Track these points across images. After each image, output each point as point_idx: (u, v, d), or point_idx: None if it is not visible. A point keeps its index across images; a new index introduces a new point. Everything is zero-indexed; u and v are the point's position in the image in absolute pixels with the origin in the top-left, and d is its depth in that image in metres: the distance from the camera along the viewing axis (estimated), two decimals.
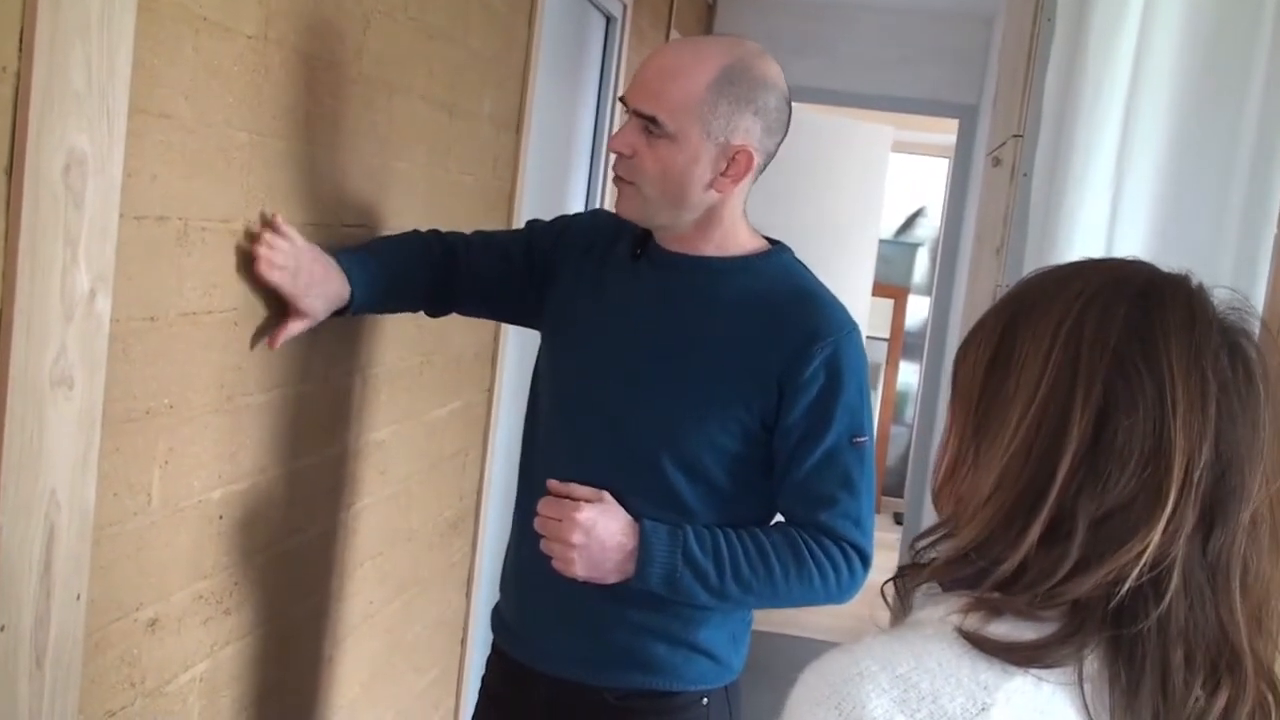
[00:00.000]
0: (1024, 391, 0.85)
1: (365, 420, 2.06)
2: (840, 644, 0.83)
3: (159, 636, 1.51)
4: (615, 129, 1.66)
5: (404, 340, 2.17)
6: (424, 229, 1.90)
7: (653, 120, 1.59)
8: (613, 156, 1.68)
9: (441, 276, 1.83)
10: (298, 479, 1.83)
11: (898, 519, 7.03)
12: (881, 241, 6.15)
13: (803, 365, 1.59)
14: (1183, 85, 1.87)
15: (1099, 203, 1.87)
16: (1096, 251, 1.85)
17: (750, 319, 1.63)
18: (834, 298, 1.68)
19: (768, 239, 1.74)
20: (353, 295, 1.68)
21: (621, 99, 1.65)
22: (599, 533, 1.58)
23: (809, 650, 0.86)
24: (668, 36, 4.45)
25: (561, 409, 1.73)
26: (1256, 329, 0.86)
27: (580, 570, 1.59)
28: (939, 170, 7.58)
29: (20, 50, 1.11)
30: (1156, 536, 0.80)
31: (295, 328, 1.63)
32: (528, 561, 1.66)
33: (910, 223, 8.32)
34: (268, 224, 1.59)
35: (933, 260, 7.23)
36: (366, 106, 1.89)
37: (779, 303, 1.64)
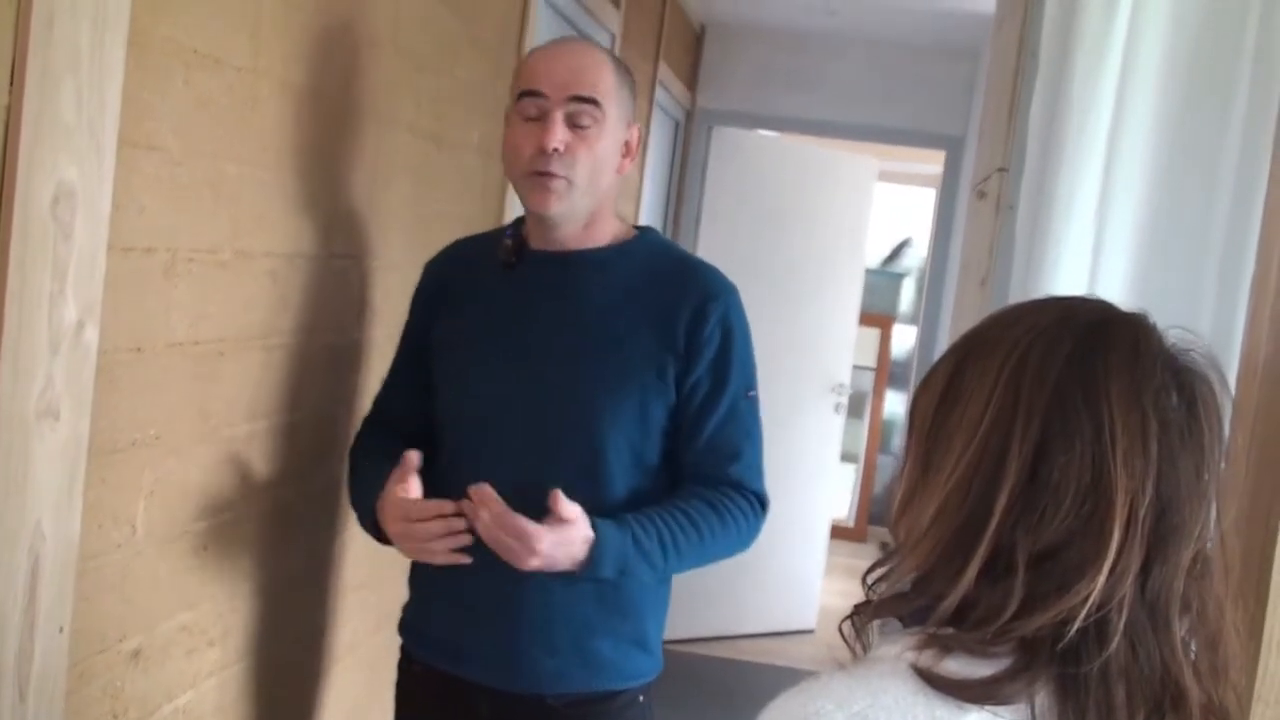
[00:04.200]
0: (967, 425, 0.85)
1: None
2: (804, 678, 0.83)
3: (142, 668, 1.51)
4: (518, 132, 1.66)
5: None
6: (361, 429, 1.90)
7: (592, 103, 1.64)
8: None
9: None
10: (283, 510, 1.82)
11: (884, 548, 7.02)
12: (868, 271, 6.16)
13: (702, 324, 1.69)
14: (1165, 120, 1.88)
15: (1083, 236, 1.88)
16: (1080, 284, 1.86)
17: (645, 293, 1.71)
18: (712, 265, 1.79)
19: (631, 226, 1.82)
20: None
21: (530, 92, 1.65)
22: (558, 555, 1.56)
23: (789, 679, 0.86)
24: (656, 67, 4.48)
25: (484, 426, 1.73)
26: (1209, 369, 0.85)
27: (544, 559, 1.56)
28: (926, 200, 7.62)
29: (11, 83, 1.11)
30: (1103, 578, 0.79)
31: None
32: (465, 578, 1.63)
33: (897, 253, 8.36)
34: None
35: (919, 290, 7.26)
36: (354, 137, 1.90)
37: (667, 273, 1.74)
